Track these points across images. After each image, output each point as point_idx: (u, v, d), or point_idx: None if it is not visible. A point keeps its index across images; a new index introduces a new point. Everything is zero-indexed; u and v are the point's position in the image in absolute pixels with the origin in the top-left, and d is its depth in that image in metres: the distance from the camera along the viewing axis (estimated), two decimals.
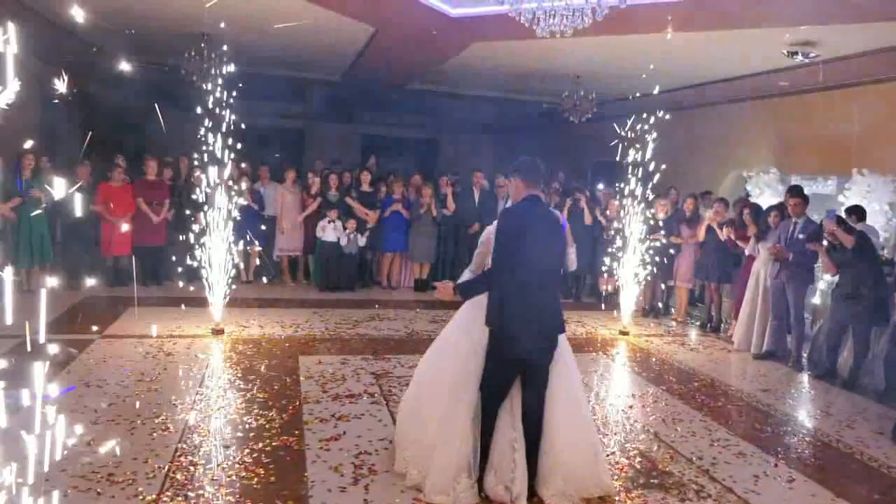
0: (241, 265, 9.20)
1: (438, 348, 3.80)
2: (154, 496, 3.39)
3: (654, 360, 6.71)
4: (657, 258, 7.99)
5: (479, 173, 9.71)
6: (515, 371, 3.47)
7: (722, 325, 8.06)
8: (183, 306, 6.88)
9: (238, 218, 6.88)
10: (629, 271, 7.59)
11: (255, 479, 3.64)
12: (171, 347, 6.00)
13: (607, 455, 4.18)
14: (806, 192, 6.97)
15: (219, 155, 6.43)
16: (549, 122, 14.18)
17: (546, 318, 3.42)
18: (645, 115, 7.09)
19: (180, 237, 7.30)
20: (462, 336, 3.60)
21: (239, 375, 5.42)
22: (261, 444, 4.09)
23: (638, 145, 7.19)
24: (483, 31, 7.88)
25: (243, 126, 6.69)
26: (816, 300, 7.68)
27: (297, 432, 4.32)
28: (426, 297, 9.08)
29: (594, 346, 7.06)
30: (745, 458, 4.35)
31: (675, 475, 4.03)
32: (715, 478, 4.02)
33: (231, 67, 8.34)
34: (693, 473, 4.07)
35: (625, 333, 7.58)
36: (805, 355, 6.77)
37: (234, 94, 6.74)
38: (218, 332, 6.51)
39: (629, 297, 7.63)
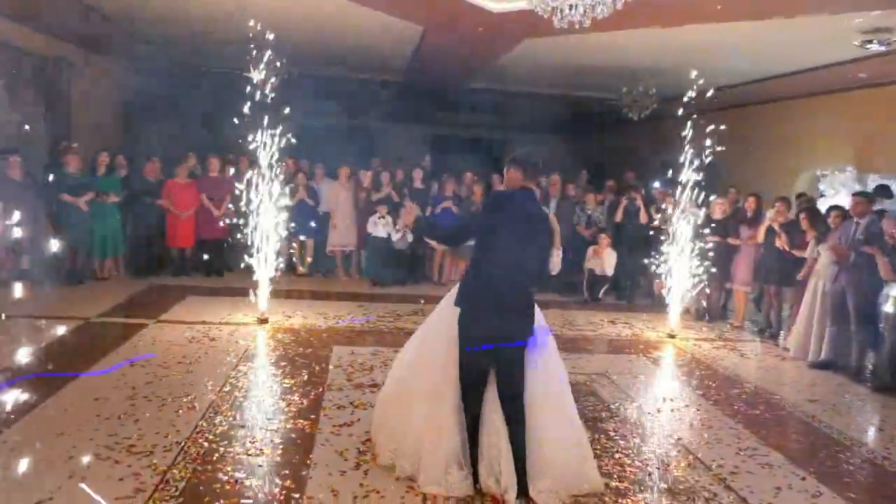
0: (297, 259, 9.58)
1: (420, 337, 3.83)
2: (165, 467, 3.60)
3: (697, 364, 6.44)
4: (712, 259, 7.67)
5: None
6: (487, 357, 3.44)
7: (782, 331, 7.61)
8: (251, 292, 7.05)
9: (287, 213, 7.13)
10: (678, 272, 7.31)
11: (261, 458, 3.80)
12: (216, 333, 6.31)
13: (615, 455, 4.09)
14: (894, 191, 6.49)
15: (269, 153, 6.69)
16: (616, 120, 13.84)
17: (516, 308, 3.41)
18: (707, 112, 6.83)
19: (238, 231, 7.65)
20: (443, 327, 3.60)
21: (272, 362, 5.64)
22: (275, 426, 4.26)
23: (696, 143, 6.94)
24: (530, 27, 7.80)
25: (294, 126, 6.95)
26: (889, 308, 7.12)
27: (312, 417, 4.46)
28: None
29: (636, 348, 6.85)
30: (770, 469, 4.12)
31: (687, 481, 3.87)
32: (731, 487, 3.84)
33: (277, 67, 8.75)
34: (708, 481, 3.90)
35: (672, 337, 7.30)
36: (870, 366, 6.31)
37: (301, 95, 6.98)
38: (263, 321, 6.79)
39: (677, 300, 7.34)
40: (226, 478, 3.54)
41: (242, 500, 3.32)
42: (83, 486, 3.32)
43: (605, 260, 8.61)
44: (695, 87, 6.77)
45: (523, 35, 8.26)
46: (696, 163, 7.08)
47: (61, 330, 6.12)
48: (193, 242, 8.94)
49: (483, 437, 3.49)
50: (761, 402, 5.42)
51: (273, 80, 9.01)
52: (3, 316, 6.36)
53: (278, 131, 6.75)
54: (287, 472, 3.65)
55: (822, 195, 8.87)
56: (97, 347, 5.62)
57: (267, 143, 6.70)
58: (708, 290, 8.22)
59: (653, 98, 9.91)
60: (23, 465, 3.55)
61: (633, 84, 9.93)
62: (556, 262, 3.48)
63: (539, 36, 8.25)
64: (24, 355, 5.35)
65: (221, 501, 3.30)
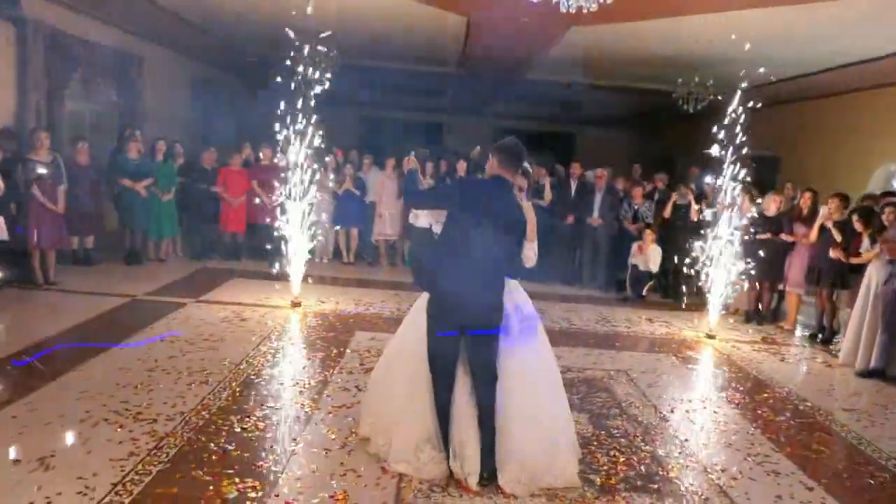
0: (343, 247, 9.82)
1: (407, 322, 3.85)
2: (163, 434, 3.82)
3: (729, 366, 6.15)
4: (764, 258, 7.29)
5: (576, 164, 9.43)
6: (452, 344, 3.44)
7: (835, 336, 7.14)
8: (311, 278, 7.22)
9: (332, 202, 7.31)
10: (719, 270, 6.98)
11: (255, 433, 3.95)
12: (248, 314, 6.58)
13: (610, 452, 3.98)
14: None
15: (307, 145, 6.89)
16: (681, 114, 13.33)
17: (480, 296, 3.36)
18: (770, 105, 6.49)
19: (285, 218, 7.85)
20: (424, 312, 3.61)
21: (293, 343, 5.84)
22: (277, 404, 4.42)
23: (749, 136, 6.64)
24: (572, 15, 7.63)
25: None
26: None
27: (316, 397, 4.59)
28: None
29: (668, 347, 6.61)
30: (776, 478, 3.90)
31: (680, 484, 3.73)
32: (727, 493, 3.67)
33: (329, 59, 8.94)
34: (704, 485, 3.74)
35: (711, 337, 7.00)
36: None
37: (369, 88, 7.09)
38: (296, 304, 7.01)
39: (716, 298, 7.02)
40: (216, 448, 3.72)
41: (224, 471, 3.47)
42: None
43: (649, 256, 8.34)
44: (746, 79, 6.43)
45: (568, 24, 8.09)
46: (745, 157, 6.75)
47: (109, 305, 6.54)
48: (245, 227, 9.33)
49: (453, 423, 3.50)
50: (789, 408, 5.12)
51: (323, 73, 9.31)
52: (61, 290, 6.89)
53: (310, 123, 6.90)
54: (274, 447, 3.79)
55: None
56: (135, 323, 5.98)
57: (308, 135, 6.89)
58: (758, 291, 7.85)
59: (709, 90, 9.47)
60: (37, 423, 3.84)
61: (688, 75, 9.52)
62: (528, 254, 3.41)
63: (585, 24, 8.07)
64: (68, 326, 5.76)
65: (204, 469, 3.46)
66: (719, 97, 9.80)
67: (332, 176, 9.62)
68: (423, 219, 9.09)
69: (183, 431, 3.89)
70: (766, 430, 4.61)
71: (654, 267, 8.37)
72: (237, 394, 4.54)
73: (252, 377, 4.89)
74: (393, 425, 3.58)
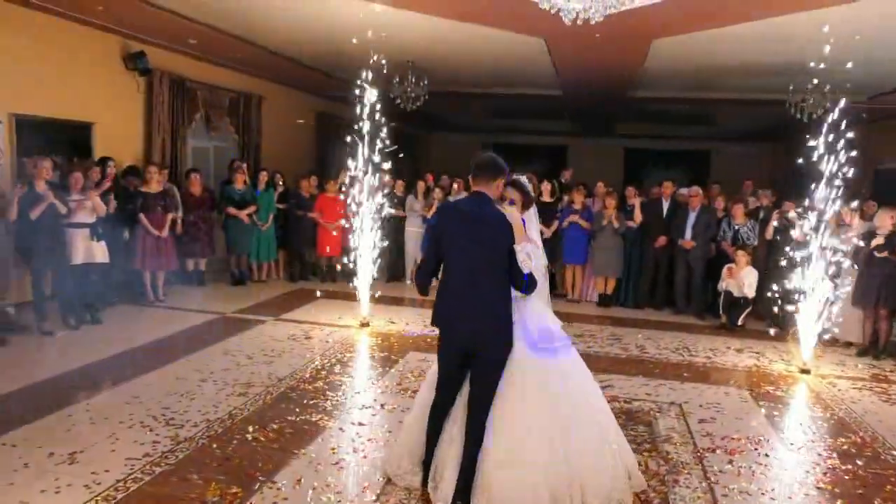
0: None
1: None
2: (182, 438, 4.15)
3: (813, 405, 5.43)
4: (878, 283, 6.39)
5: (668, 183, 8.87)
6: (455, 363, 3.40)
7: None
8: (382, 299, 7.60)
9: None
10: (814, 294, 6.21)
11: (261, 443, 4.17)
12: (315, 333, 6.93)
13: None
14: None
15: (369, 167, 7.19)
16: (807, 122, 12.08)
17: (481, 312, 3.29)
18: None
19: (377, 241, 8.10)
20: None
21: (343, 361, 6.05)
22: (297, 417, 4.61)
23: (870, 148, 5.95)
24: (651, 27, 7.30)
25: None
26: None
27: (336, 412, 4.74)
28: (607, 312, 8.65)
29: (744, 381, 5.97)
30: None
31: None
32: None
33: (419, 88, 9.23)
34: None
35: (805, 372, 6.22)
36: None
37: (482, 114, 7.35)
38: (364, 324, 7.27)
39: (810, 327, 6.23)
40: (220, 454, 3.97)
41: (216, 476, 3.70)
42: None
43: (742, 280, 7.60)
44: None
45: (647, 37, 7.73)
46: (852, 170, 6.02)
47: (199, 321, 7.22)
48: (340, 252, 9.84)
49: (439, 444, 3.47)
50: (866, 455, 4.40)
51: (413, 101, 9.66)
52: (166, 307, 7.71)
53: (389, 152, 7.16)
54: (273, 458, 3.96)
55: None
56: (211, 337, 6.55)
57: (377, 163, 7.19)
58: (874, 321, 6.87)
59: (827, 96, 8.51)
60: (85, 423, 4.35)
61: (801, 81, 8.64)
62: (522, 259, 3.27)
63: (666, 35, 7.67)
64: (155, 339, 6.43)
65: (200, 473, 3.72)
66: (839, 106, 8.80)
67: (421, 201, 9.89)
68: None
69: (200, 437, 4.20)
70: (822, 479, 4.01)
71: (750, 291, 7.60)
72: (266, 405, 4.81)
73: (288, 391, 5.15)
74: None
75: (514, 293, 3.38)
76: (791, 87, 8.87)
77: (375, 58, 6.86)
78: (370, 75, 6.90)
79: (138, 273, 7.88)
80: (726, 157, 20.32)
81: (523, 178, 3.59)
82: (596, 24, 6.90)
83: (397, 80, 10.04)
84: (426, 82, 10.21)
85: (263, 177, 9.52)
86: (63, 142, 7.79)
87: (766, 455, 4.35)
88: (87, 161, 7.33)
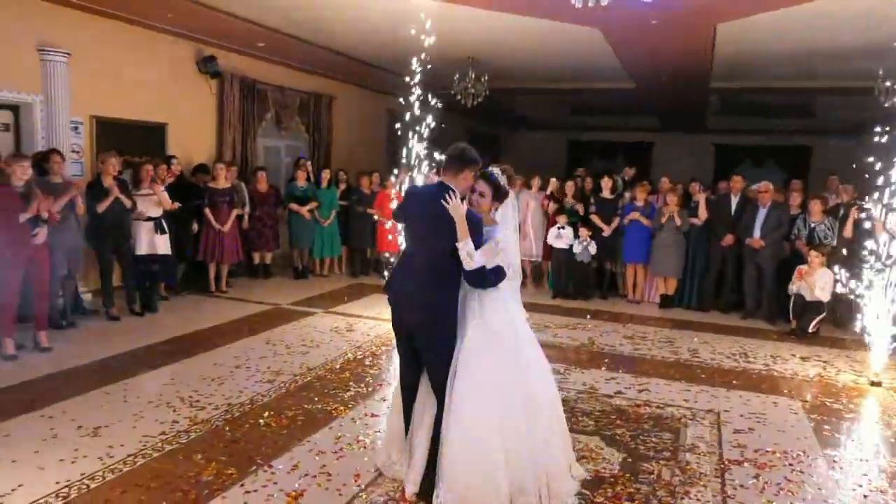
0: None
1: None
2: (200, 420, 4.34)
3: (872, 419, 4.91)
4: None
5: (737, 178, 8.30)
6: (402, 336, 3.49)
7: None
8: None
9: None
10: (884, 299, 5.61)
11: (273, 427, 4.28)
12: (358, 326, 7.05)
13: (614, 499, 3.50)
14: None
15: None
16: None
17: (417, 300, 3.36)
18: None
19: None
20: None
21: (376, 354, 6.10)
22: (310, 406, 4.70)
23: None
24: (709, 10, 6.87)
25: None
26: None
27: (352, 403, 4.79)
28: (667, 314, 8.23)
29: (801, 392, 5.47)
30: None
31: None
32: None
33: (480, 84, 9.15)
34: None
35: (876, 384, 5.63)
36: None
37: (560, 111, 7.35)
38: None
39: (885, 334, 5.63)
40: (229, 437, 4.12)
41: (218, 456, 3.84)
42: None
43: (815, 283, 6.98)
44: None
45: (707, 20, 7.27)
46: None
47: (253, 311, 7.52)
48: (398, 248, 9.95)
49: (411, 429, 3.50)
50: None
51: (475, 98, 9.61)
52: (228, 298, 8.10)
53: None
54: (277, 443, 4.06)
55: None
56: (259, 326, 6.81)
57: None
58: None
59: None
60: (118, 401, 4.64)
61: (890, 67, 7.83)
62: (463, 256, 3.19)
63: (729, 19, 7.19)
64: (209, 326, 6.76)
65: (205, 454, 3.87)
66: None
67: None
68: (562, 239, 8.86)
69: (216, 420, 4.37)
70: (863, 502, 3.61)
71: (824, 295, 6.97)
72: (288, 393, 4.94)
73: (314, 380, 5.27)
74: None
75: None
76: (881, 72, 8.06)
77: (437, 55, 6.89)
78: (428, 72, 6.94)
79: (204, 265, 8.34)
80: (830, 151, 18.77)
81: (495, 170, 3.47)
82: (646, 9, 6.63)
83: (457, 76, 10.04)
84: (486, 78, 10.12)
85: (326, 175, 9.78)
86: (138, 141, 8.35)
87: (801, 472, 3.97)
88: (154, 158, 7.81)
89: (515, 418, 3.29)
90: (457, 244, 3.17)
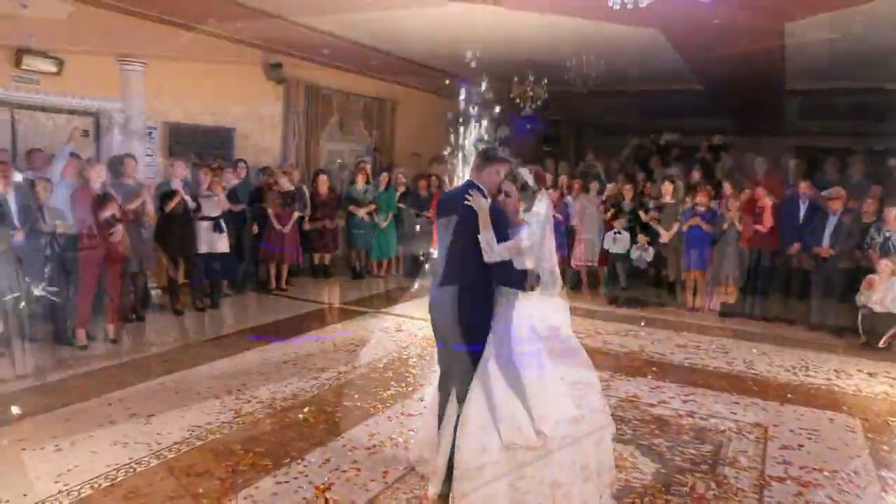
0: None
1: None
2: (244, 413, 4.55)
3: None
4: None
5: (805, 183, 7.89)
6: (439, 342, 3.56)
7: None
8: None
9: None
10: None
11: (311, 422, 4.44)
12: (407, 326, 7.15)
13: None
14: None
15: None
16: None
17: (438, 302, 3.43)
18: None
19: None
20: None
21: (421, 355, 6.16)
22: (350, 403, 4.83)
23: None
24: (775, 9, 6.59)
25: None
26: None
27: (390, 402, 4.88)
28: (727, 324, 7.92)
29: (862, 408, 5.15)
30: None
31: None
32: None
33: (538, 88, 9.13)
34: None
35: None
36: None
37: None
38: None
39: None
40: (269, 430, 4.30)
41: (256, 448, 4.02)
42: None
43: (885, 294, 6.56)
44: None
45: (774, 19, 6.97)
46: None
47: (308, 309, 7.78)
48: None
49: (440, 430, 3.52)
50: None
51: (532, 102, 9.61)
52: (286, 296, 8.40)
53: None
54: (313, 437, 4.21)
55: None
56: (311, 325, 7.04)
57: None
58: None
59: None
60: (170, 393, 4.92)
61: None
62: (484, 247, 3.19)
63: (796, 20, 6.88)
64: (263, 322, 7.05)
65: (243, 445, 4.05)
66: None
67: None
68: (618, 243, 8.69)
69: (257, 413, 4.57)
70: None
71: (895, 307, 6.54)
72: (329, 389, 5.10)
73: (357, 378, 5.41)
74: None
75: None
76: None
77: (496, 59, 6.96)
78: (488, 75, 7.01)
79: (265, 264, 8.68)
80: None
81: (522, 171, 3.47)
82: (706, 8, 6.43)
83: (516, 79, 10.02)
84: (546, 82, 10.05)
85: (384, 178, 9.98)
86: (208, 145, 8.80)
87: (847, 492, 3.76)
88: (219, 161, 8.20)
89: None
90: (479, 235, 3.20)
